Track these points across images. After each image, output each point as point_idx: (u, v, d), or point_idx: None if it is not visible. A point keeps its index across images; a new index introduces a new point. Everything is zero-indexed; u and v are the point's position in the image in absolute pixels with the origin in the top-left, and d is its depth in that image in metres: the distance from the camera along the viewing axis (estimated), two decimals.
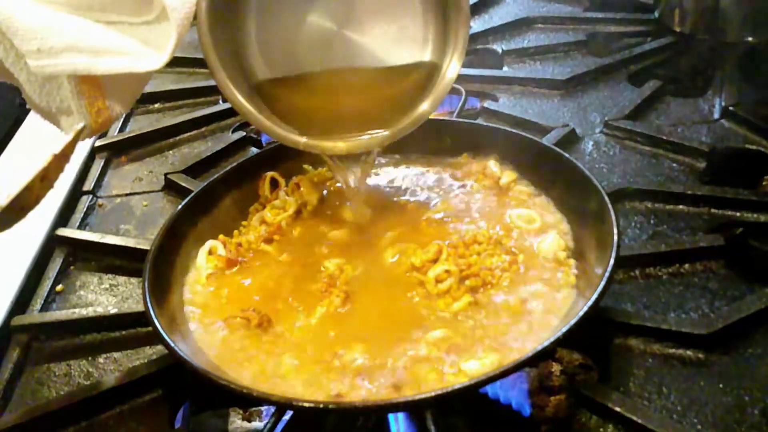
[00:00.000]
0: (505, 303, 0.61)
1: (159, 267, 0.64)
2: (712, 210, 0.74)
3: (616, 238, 0.58)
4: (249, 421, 0.67)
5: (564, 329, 0.52)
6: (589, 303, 0.53)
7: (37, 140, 0.84)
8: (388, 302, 0.63)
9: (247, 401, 0.66)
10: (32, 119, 1.00)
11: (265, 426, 0.54)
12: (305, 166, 0.79)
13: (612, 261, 0.56)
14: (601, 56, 1.06)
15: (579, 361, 0.63)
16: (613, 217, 0.60)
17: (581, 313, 0.53)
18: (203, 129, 1.01)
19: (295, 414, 0.60)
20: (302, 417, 0.61)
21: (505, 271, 0.63)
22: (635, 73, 1.02)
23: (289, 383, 0.56)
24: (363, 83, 0.70)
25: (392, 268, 0.66)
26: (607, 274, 0.55)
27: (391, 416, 0.62)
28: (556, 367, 0.65)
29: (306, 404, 0.51)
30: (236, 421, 0.68)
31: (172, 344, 0.55)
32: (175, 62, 1.14)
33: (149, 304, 0.58)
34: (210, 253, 0.69)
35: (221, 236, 0.71)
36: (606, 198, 0.63)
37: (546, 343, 0.52)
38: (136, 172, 0.95)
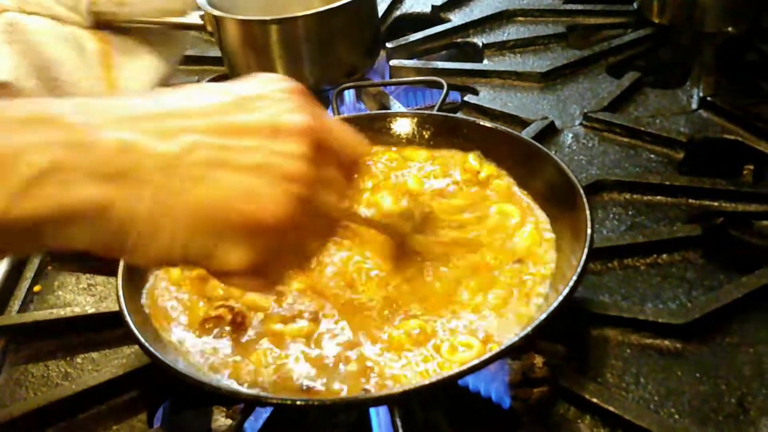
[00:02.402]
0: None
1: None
2: (690, 200, 0.74)
3: (589, 231, 0.58)
4: (233, 418, 0.67)
5: (534, 323, 0.52)
6: (560, 298, 0.53)
7: None
8: None
9: (225, 399, 0.65)
10: None
11: (235, 422, 0.54)
12: None
13: (585, 254, 0.56)
14: (581, 48, 1.06)
15: (562, 353, 0.64)
16: (587, 210, 0.60)
17: (552, 308, 0.53)
18: None
19: (276, 409, 0.60)
20: (282, 412, 0.61)
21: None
22: (615, 65, 1.02)
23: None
24: None
25: None
26: (579, 268, 0.55)
27: (372, 409, 0.62)
28: (538, 360, 0.65)
29: (274, 400, 0.51)
30: (219, 419, 0.68)
31: (145, 342, 0.54)
32: None
33: (123, 304, 0.58)
34: None
35: None
36: (580, 190, 0.63)
37: (515, 339, 0.52)
38: None
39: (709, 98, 0.88)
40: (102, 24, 0.98)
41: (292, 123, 0.45)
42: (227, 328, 0.60)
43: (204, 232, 0.43)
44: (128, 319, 0.57)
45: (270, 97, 0.46)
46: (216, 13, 0.99)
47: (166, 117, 0.43)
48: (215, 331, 0.60)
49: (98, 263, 0.77)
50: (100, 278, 0.76)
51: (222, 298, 0.63)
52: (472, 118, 0.82)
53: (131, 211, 0.41)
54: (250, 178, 0.43)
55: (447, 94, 0.89)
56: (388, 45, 1.10)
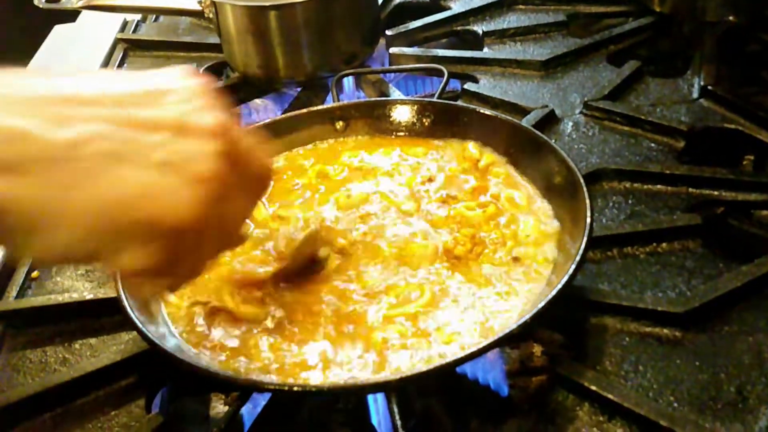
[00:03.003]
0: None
1: None
2: (690, 189, 0.74)
3: (589, 219, 0.58)
4: (231, 405, 0.67)
5: (533, 311, 0.52)
6: (559, 286, 0.53)
7: None
8: None
9: (222, 385, 0.65)
10: None
11: (230, 409, 0.54)
12: None
13: (584, 243, 0.56)
14: (582, 37, 1.05)
15: (560, 342, 0.64)
16: (587, 198, 0.60)
17: (550, 296, 0.53)
18: None
19: (273, 396, 0.60)
20: (280, 399, 0.61)
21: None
22: (615, 54, 1.01)
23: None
24: None
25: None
26: (578, 256, 0.55)
27: (370, 396, 0.62)
28: (537, 348, 0.65)
29: (271, 386, 0.51)
30: (218, 405, 0.68)
31: (143, 328, 0.54)
32: (153, 46, 1.17)
33: (121, 289, 0.58)
34: None
35: None
36: (580, 178, 0.63)
37: (513, 327, 0.52)
38: None
39: (709, 87, 0.88)
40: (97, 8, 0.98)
41: (203, 122, 0.43)
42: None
43: (102, 231, 0.40)
44: (126, 304, 0.56)
45: (180, 92, 0.43)
46: None
47: (64, 102, 0.39)
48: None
49: None
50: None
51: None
52: (472, 106, 0.82)
53: (21, 207, 0.37)
54: (154, 175, 0.40)
55: (447, 82, 0.89)
56: (388, 32, 1.10)
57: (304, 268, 0.64)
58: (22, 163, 0.37)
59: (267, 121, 0.82)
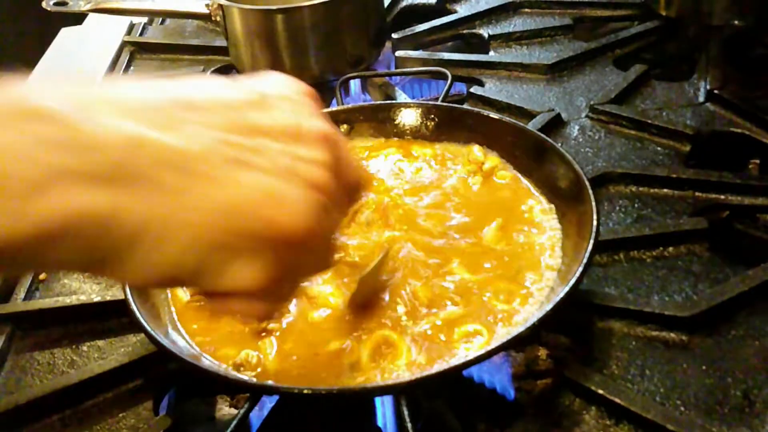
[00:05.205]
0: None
1: None
2: (697, 193, 0.74)
3: (595, 223, 0.58)
4: (236, 407, 0.67)
5: (539, 315, 0.52)
6: (566, 289, 0.53)
7: None
8: None
9: (229, 388, 0.66)
10: None
11: (243, 411, 0.54)
12: None
13: (590, 246, 0.56)
14: (588, 40, 1.06)
15: (566, 345, 0.64)
16: (593, 202, 0.60)
17: (557, 300, 0.53)
18: None
19: (281, 398, 0.60)
20: (287, 401, 0.61)
21: None
22: (621, 58, 1.02)
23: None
24: None
25: None
26: (585, 260, 0.55)
27: (377, 399, 0.62)
28: (542, 352, 0.65)
29: (279, 389, 0.51)
30: (223, 408, 0.68)
31: (151, 330, 0.54)
32: (160, 49, 1.17)
33: (128, 292, 0.58)
34: None
35: None
36: (587, 182, 0.63)
37: (520, 330, 0.52)
38: None
39: (716, 91, 0.88)
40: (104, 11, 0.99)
41: (316, 129, 0.41)
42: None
43: (220, 243, 0.37)
44: (134, 307, 0.57)
45: (289, 98, 0.42)
46: (222, 2, 0.99)
47: (177, 108, 0.37)
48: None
49: None
50: None
51: None
52: (476, 109, 0.82)
53: (141, 218, 0.35)
54: (276, 181, 0.38)
55: (451, 85, 0.89)
56: (394, 36, 1.10)
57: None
58: (144, 171, 0.35)
59: None
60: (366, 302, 0.60)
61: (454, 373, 0.53)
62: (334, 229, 0.45)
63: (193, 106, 0.38)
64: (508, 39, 1.08)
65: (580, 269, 0.55)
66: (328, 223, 0.41)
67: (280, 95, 0.42)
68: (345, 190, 0.44)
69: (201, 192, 0.36)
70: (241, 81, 0.42)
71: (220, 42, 1.09)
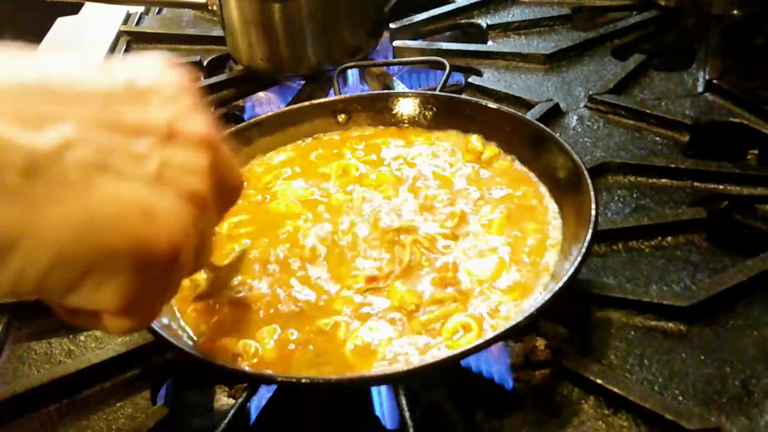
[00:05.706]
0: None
1: None
2: (695, 183, 0.74)
3: (594, 213, 0.58)
4: (235, 398, 0.67)
5: (537, 305, 0.52)
6: (564, 279, 0.53)
7: None
8: None
9: (227, 378, 0.65)
10: None
11: (240, 400, 0.54)
12: None
13: (589, 236, 0.56)
14: (586, 30, 1.05)
15: (565, 336, 0.64)
16: (592, 192, 0.60)
17: (555, 290, 0.53)
18: None
19: (279, 388, 0.60)
20: (285, 391, 0.61)
21: None
22: (620, 48, 1.01)
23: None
24: None
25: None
26: (583, 250, 0.55)
27: (374, 389, 0.62)
28: (540, 342, 0.65)
29: (277, 379, 0.51)
30: (222, 398, 0.68)
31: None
32: (156, 39, 1.17)
33: None
34: None
35: None
36: (585, 172, 0.63)
37: (518, 320, 0.52)
38: None
39: (714, 81, 0.88)
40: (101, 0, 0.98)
41: (192, 129, 0.37)
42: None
43: (72, 258, 0.32)
44: None
45: (165, 91, 0.37)
46: None
47: (35, 99, 0.32)
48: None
49: None
50: None
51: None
52: (475, 99, 0.82)
53: None
54: (143, 190, 0.34)
55: (449, 75, 0.89)
56: (392, 25, 1.10)
57: None
58: None
59: (268, 114, 0.82)
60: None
61: (453, 363, 0.53)
62: (207, 239, 0.41)
63: (54, 96, 0.33)
64: (506, 29, 1.08)
65: (579, 259, 0.54)
66: (199, 236, 0.37)
67: (155, 86, 0.37)
68: (222, 195, 0.40)
69: (56, 201, 0.31)
70: (114, 65, 0.38)
71: (217, 32, 1.09)
